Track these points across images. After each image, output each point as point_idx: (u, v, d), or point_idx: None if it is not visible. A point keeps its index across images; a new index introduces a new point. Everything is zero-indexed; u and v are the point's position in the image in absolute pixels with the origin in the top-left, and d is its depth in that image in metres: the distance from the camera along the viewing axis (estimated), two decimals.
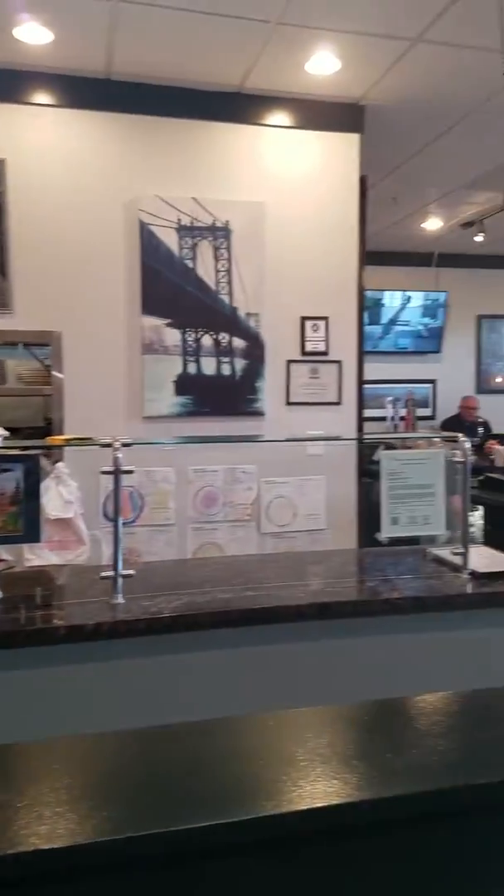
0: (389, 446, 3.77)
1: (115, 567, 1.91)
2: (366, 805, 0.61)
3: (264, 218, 3.57)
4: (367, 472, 3.75)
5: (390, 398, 7.04)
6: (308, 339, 3.73)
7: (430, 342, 7.55)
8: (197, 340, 3.53)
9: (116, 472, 1.92)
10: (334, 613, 1.89)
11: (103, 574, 1.93)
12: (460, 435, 2.27)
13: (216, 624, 1.83)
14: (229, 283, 3.54)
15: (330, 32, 2.96)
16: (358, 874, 0.63)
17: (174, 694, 1.76)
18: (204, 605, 1.88)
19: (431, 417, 7.50)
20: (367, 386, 4.93)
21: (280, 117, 3.60)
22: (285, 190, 3.62)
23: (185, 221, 3.49)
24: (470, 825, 0.62)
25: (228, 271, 3.54)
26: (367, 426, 5.69)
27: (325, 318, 3.72)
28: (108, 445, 1.94)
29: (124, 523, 3.41)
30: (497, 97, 3.41)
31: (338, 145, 3.68)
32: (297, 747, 0.73)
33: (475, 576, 2.07)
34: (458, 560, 2.13)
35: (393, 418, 6.91)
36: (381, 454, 2.24)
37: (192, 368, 3.54)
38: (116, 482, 1.93)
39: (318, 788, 0.64)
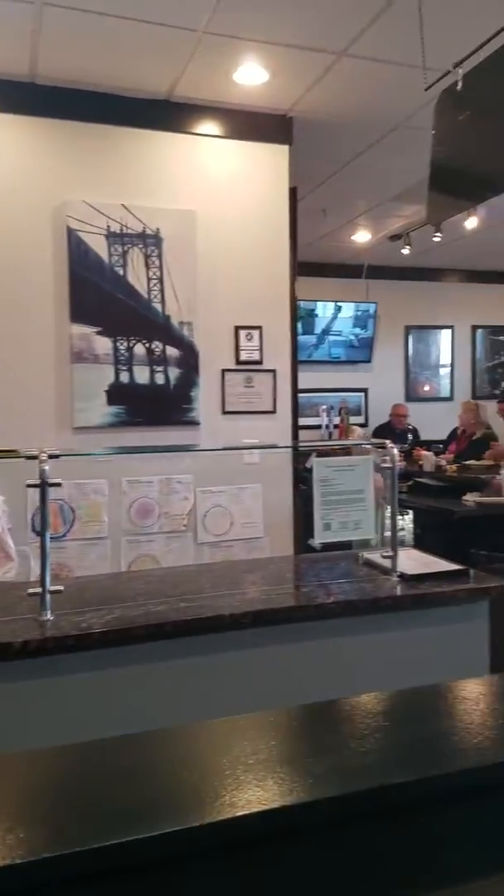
0: (324, 454, 3.82)
1: (42, 583, 1.85)
2: (284, 812, 0.60)
3: (195, 226, 3.56)
4: (303, 480, 3.78)
5: (324, 406, 7.15)
6: (242, 348, 3.73)
7: (361, 352, 7.71)
8: (129, 349, 3.48)
9: (43, 485, 1.85)
10: (269, 620, 1.89)
11: (31, 590, 1.86)
12: (388, 442, 2.32)
13: (149, 637, 1.80)
14: (161, 291, 3.51)
15: (257, 43, 2.99)
16: (283, 879, 0.62)
17: (109, 709, 1.73)
18: (137, 618, 1.84)
19: (364, 425, 7.66)
20: (301, 395, 5.00)
21: (209, 126, 3.61)
22: (216, 199, 3.62)
23: (115, 228, 3.44)
24: (389, 825, 0.62)
25: (160, 279, 3.51)
26: (303, 434, 5.76)
27: (258, 328, 3.74)
28: (34, 458, 1.88)
29: (54, 537, 3.32)
30: (420, 113, 3.51)
31: (267, 156, 3.72)
32: (221, 756, 0.71)
33: (404, 578, 2.11)
34: (388, 563, 2.16)
35: (327, 426, 7.02)
36: (314, 461, 2.26)
37: (124, 377, 3.48)
38: (43, 495, 1.86)
39: (238, 797, 0.62)
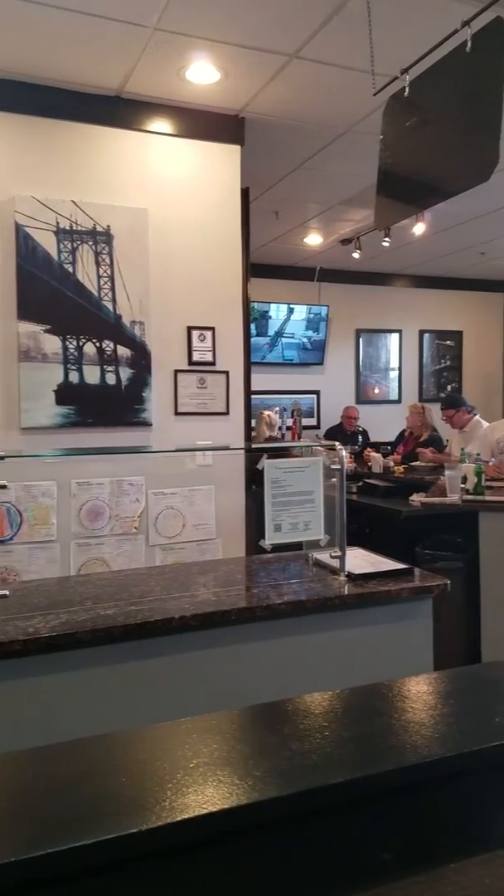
0: (278, 455, 3.83)
1: None
2: (223, 815, 0.59)
3: (147, 225, 3.53)
4: (256, 481, 3.78)
5: (277, 408, 7.18)
6: (195, 348, 3.71)
7: (313, 354, 7.79)
8: (79, 348, 3.42)
9: None
10: (218, 622, 1.88)
11: None
12: (337, 443, 2.35)
13: (97, 641, 1.78)
14: (112, 289, 3.46)
15: (208, 42, 2.98)
16: (224, 881, 0.61)
17: (55, 715, 1.70)
18: (85, 622, 1.82)
19: (316, 427, 7.73)
20: (255, 396, 5.01)
21: (161, 124, 3.58)
22: (168, 197, 3.60)
23: (65, 225, 3.37)
24: (329, 823, 0.62)
25: (111, 277, 3.46)
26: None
27: (211, 329, 3.72)
28: None
29: (0, 541, 3.24)
30: (369, 118, 3.56)
31: (220, 156, 3.71)
32: (162, 761, 0.70)
33: (352, 577, 2.13)
34: (336, 563, 2.18)
35: (280, 428, 7.04)
36: (265, 463, 2.27)
37: (74, 377, 3.42)
38: None
39: (178, 802, 0.61)
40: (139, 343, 3.53)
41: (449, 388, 8.46)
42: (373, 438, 7.21)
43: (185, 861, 0.63)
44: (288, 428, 7.06)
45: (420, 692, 0.81)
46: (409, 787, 0.63)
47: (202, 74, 3.25)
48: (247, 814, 0.62)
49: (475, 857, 0.66)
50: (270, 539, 2.23)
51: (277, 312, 7.50)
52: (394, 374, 8.36)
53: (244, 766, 0.66)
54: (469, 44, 2.18)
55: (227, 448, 3.76)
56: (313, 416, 7.85)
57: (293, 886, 0.63)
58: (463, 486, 3.92)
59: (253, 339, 7.18)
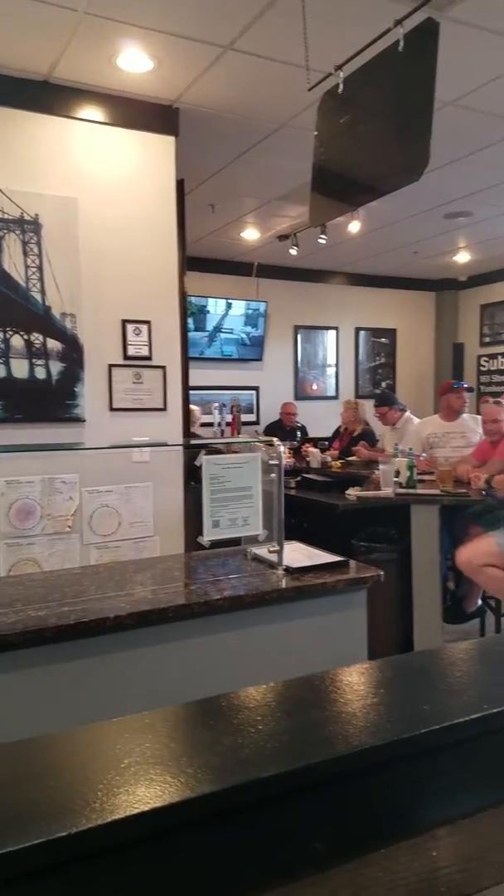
0: (215, 451, 3.82)
1: None
2: (154, 814, 0.58)
3: (78, 214, 3.44)
4: (195, 477, 3.75)
5: (216, 404, 7.16)
6: (130, 342, 3.65)
7: (252, 350, 7.80)
8: (5, 340, 3.30)
9: None
10: (155, 620, 1.86)
11: None
12: (275, 439, 2.35)
13: (28, 643, 1.72)
14: (41, 280, 3.36)
15: (140, 29, 2.92)
16: (157, 881, 0.60)
17: None
18: (15, 624, 1.75)
19: (256, 423, 7.76)
20: (193, 392, 4.98)
21: (92, 112, 3.49)
22: (100, 187, 3.52)
23: None
24: (262, 817, 0.61)
25: (40, 268, 3.36)
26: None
27: (147, 322, 3.67)
28: None
29: None
30: (304, 114, 3.58)
31: (153, 146, 3.65)
32: (92, 762, 0.68)
33: (289, 571, 2.14)
34: (274, 557, 2.19)
35: (219, 424, 7.03)
36: (203, 459, 2.25)
37: (0, 371, 3.30)
38: None
39: (108, 804, 0.59)
40: (70, 336, 3.44)
41: (383, 384, 8.64)
42: (311, 434, 7.30)
43: (117, 862, 0.61)
44: (227, 424, 7.06)
45: (352, 682, 0.81)
46: (340, 776, 0.63)
47: (134, 62, 3.19)
48: (178, 811, 0.60)
49: (404, 841, 0.67)
50: (209, 535, 2.22)
51: (216, 307, 7.48)
52: (331, 371, 8.47)
53: (176, 763, 0.65)
54: (402, 43, 2.21)
55: (164, 445, 3.72)
56: (253, 413, 7.88)
57: (226, 880, 0.62)
58: (396, 480, 4.01)
59: (191, 334, 7.14)
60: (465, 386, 4.95)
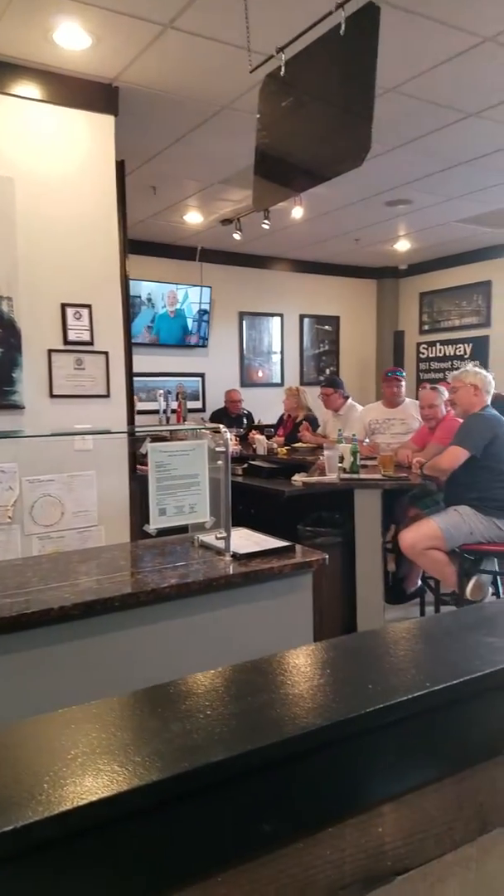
0: (162, 439, 3.79)
1: None
2: (101, 804, 0.58)
3: (14, 194, 3.32)
4: (141, 465, 3.71)
5: (161, 391, 7.10)
6: (70, 327, 3.56)
7: (197, 336, 7.74)
8: None
9: None
10: (101, 610, 1.83)
11: None
12: (222, 426, 2.35)
13: None
14: None
15: (77, 4, 2.83)
16: (104, 871, 0.60)
17: None
18: None
19: (202, 410, 7.72)
20: (138, 378, 4.91)
21: (28, 88, 3.37)
22: (37, 167, 3.40)
23: None
24: (211, 802, 0.61)
25: None
26: (140, 419, 5.69)
27: (88, 306, 3.58)
28: None
29: None
30: (247, 96, 3.55)
31: (92, 125, 3.55)
32: (37, 754, 0.66)
33: (236, 557, 2.15)
34: (221, 544, 2.20)
35: (165, 411, 6.97)
36: (148, 447, 2.23)
37: None
38: None
39: (54, 796, 0.59)
40: (7, 320, 3.33)
41: (328, 371, 8.72)
42: (258, 421, 7.32)
43: (65, 853, 0.61)
44: (173, 411, 7.01)
45: (299, 665, 0.82)
46: (288, 758, 0.63)
47: (72, 38, 3.09)
48: (127, 800, 0.60)
49: (350, 819, 0.68)
50: (155, 523, 2.20)
51: (159, 292, 7.38)
52: (276, 358, 8.50)
53: (124, 752, 0.65)
54: (343, 27, 2.21)
55: (107, 432, 3.66)
56: (199, 399, 7.83)
57: (175, 866, 0.62)
58: (340, 465, 4.06)
59: (136, 320, 7.04)
60: (397, 375, 5.03)
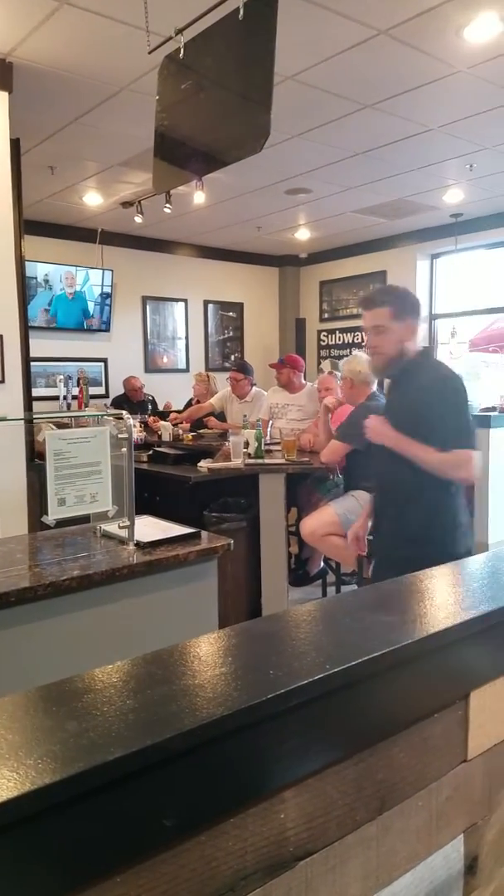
0: (64, 426, 3.65)
1: None
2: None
3: None
4: (39, 454, 3.58)
5: (62, 376, 6.86)
6: None
7: (99, 320, 7.53)
8: None
9: None
10: None
11: None
12: (125, 412, 2.29)
13: None
14: None
15: None
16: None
17: None
18: None
19: (105, 396, 7.54)
20: (36, 364, 4.72)
21: None
22: None
23: None
24: (106, 801, 0.60)
25: None
26: (38, 405, 5.47)
27: None
28: None
29: None
30: (146, 77, 3.46)
31: None
32: None
33: (140, 546, 2.12)
34: (124, 533, 2.16)
35: (66, 397, 6.74)
36: (46, 434, 2.15)
37: None
38: None
39: None
40: None
41: (233, 357, 8.74)
42: (163, 406, 7.23)
43: None
44: (74, 397, 6.79)
45: (200, 654, 0.81)
46: (187, 751, 0.63)
47: None
48: (18, 807, 0.57)
49: (251, 808, 0.68)
50: (54, 514, 2.12)
51: (57, 273, 7.11)
52: (181, 344, 8.42)
53: (14, 756, 0.62)
54: (241, 12, 2.19)
55: (3, 419, 3.50)
56: (101, 385, 7.64)
57: (72, 869, 0.60)
58: (245, 450, 4.09)
59: (33, 302, 6.75)
60: (281, 362, 5.08)
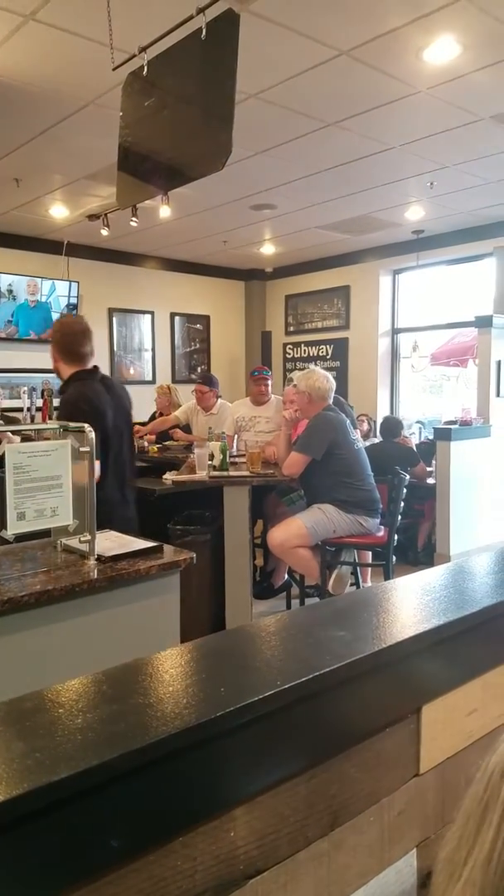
0: (28, 438, 3.60)
1: None
2: None
3: None
4: None
5: (26, 388, 6.77)
6: None
7: None
8: None
9: None
10: None
11: None
12: (86, 425, 2.27)
13: None
14: None
15: None
16: None
17: None
18: None
19: None
20: None
21: None
22: None
23: None
24: (49, 823, 0.60)
25: None
26: None
27: None
28: None
29: None
30: (111, 93, 3.47)
31: None
32: None
33: (102, 560, 2.10)
34: (86, 547, 2.13)
35: (30, 409, 6.65)
36: (5, 447, 2.12)
37: None
38: None
39: None
40: None
41: (199, 369, 8.74)
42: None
43: None
44: (38, 409, 6.70)
45: (154, 671, 0.81)
46: (135, 770, 0.62)
47: None
48: None
49: (201, 826, 0.68)
50: (13, 529, 2.09)
51: (21, 284, 7.04)
52: (147, 356, 8.39)
53: None
54: (204, 31, 2.22)
55: None
56: None
57: (16, 893, 0.59)
58: (210, 463, 4.09)
59: None
60: (263, 374, 5.11)
